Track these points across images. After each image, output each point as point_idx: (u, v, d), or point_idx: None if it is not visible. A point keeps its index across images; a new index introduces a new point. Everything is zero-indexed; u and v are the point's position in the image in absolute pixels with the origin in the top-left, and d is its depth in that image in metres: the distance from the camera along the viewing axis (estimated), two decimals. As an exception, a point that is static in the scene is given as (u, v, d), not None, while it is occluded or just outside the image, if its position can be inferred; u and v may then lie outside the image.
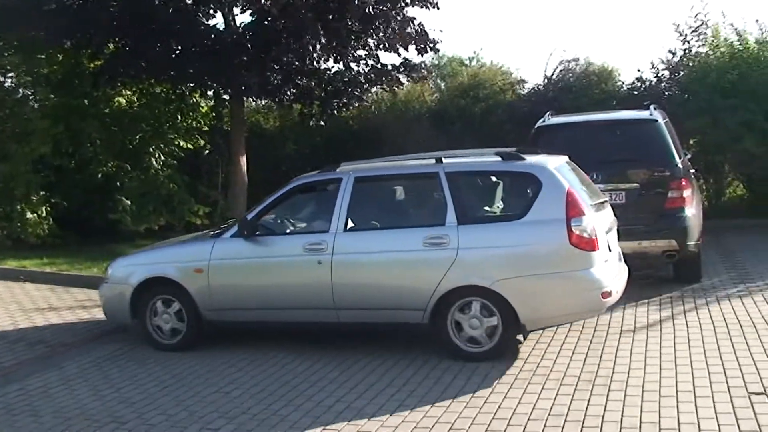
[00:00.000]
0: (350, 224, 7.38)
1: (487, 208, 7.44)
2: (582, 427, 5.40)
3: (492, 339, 6.94)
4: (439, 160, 7.45)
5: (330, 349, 7.57)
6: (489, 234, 7.00)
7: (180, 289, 7.86)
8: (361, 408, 6.03)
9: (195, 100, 15.88)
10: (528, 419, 5.59)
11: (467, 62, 28.44)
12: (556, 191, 6.89)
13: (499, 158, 7.37)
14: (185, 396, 6.54)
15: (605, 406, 5.73)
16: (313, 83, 14.54)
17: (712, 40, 14.85)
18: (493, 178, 7.57)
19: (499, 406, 5.87)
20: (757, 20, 15.22)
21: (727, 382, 6.08)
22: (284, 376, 6.95)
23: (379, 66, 14.54)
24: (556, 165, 7.19)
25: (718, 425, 5.27)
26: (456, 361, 6.94)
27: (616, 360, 6.83)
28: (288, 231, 7.85)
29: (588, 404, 5.82)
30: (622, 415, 5.54)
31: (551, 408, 5.77)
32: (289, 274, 7.57)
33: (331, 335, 7.81)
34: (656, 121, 9.68)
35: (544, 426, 5.46)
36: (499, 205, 7.50)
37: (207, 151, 16.70)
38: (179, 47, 13.50)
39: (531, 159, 7.32)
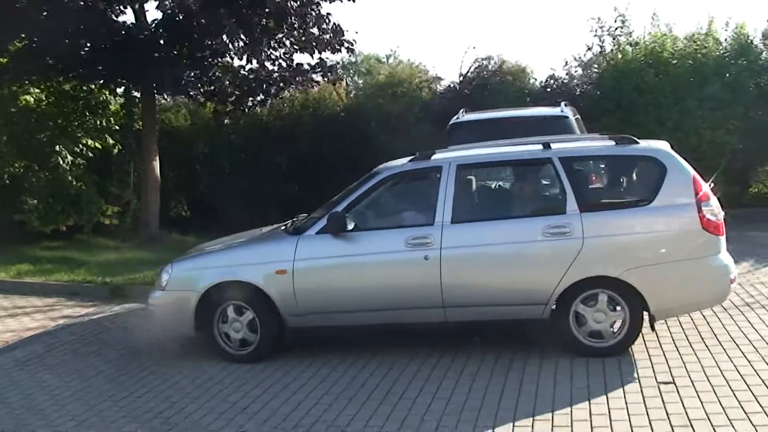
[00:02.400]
0: (457, 215, 6.82)
1: (608, 193, 7.13)
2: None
3: (618, 333, 6.59)
4: (547, 146, 6.99)
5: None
6: (616, 221, 6.60)
7: (257, 294, 7.06)
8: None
9: (105, 97, 15.50)
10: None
11: (384, 60, 28.57)
12: (682, 175, 6.59)
13: (613, 142, 7.07)
14: (96, 401, 6.36)
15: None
16: (227, 81, 14.35)
17: (628, 38, 15.15)
18: (611, 163, 7.26)
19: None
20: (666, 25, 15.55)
21: (637, 373, 6.19)
22: (200, 377, 6.83)
23: (294, 65, 14.43)
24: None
25: (628, 415, 5.35)
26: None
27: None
28: (384, 225, 7.22)
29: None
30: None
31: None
32: (390, 272, 6.89)
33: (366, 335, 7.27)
34: (567, 117, 9.92)
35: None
36: (620, 190, 7.21)
37: (117, 151, 16.33)
38: (88, 44, 13.13)
39: (648, 142, 7.09)
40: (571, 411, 5.49)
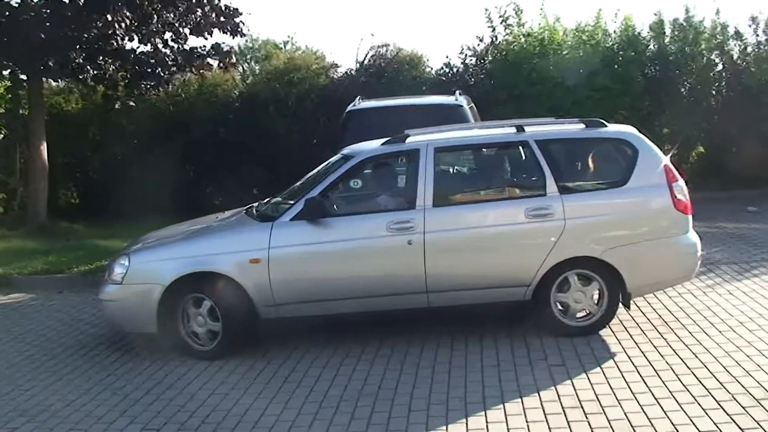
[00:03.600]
0: (438, 199, 6.73)
1: (583, 176, 7.20)
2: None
3: (597, 311, 6.74)
4: (521, 128, 7.05)
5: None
6: (594, 202, 6.76)
7: (228, 285, 6.66)
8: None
9: (-12, 80, 14.89)
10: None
11: (282, 46, 28.34)
12: (653, 157, 6.83)
13: (583, 125, 7.16)
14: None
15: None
16: (118, 64, 13.97)
17: (520, 28, 15.43)
18: (584, 145, 7.28)
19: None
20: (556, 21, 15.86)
21: (529, 356, 6.36)
22: (92, 368, 6.69)
23: (187, 49, 14.15)
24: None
25: (521, 396, 5.51)
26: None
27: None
28: (362, 210, 7.07)
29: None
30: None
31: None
32: (372, 258, 6.71)
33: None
34: (461, 106, 10.06)
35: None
36: (594, 172, 7.26)
37: (3, 136, 15.69)
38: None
39: (616, 126, 7.26)
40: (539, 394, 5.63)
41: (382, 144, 7.15)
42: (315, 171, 7.67)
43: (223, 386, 6.09)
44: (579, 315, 6.80)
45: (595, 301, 6.79)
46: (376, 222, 6.74)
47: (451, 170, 7.35)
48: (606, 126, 7.14)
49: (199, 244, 7.03)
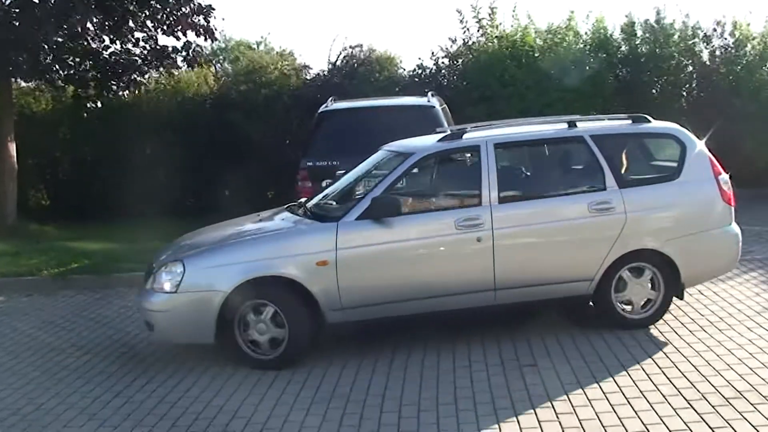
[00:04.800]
0: (503, 195, 6.69)
1: (638, 170, 7.30)
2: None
3: (654, 303, 6.88)
4: (573, 124, 7.15)
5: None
6: (652, 196, 6.89)
7: (293, 289, 6.37)
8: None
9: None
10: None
11: (254, 46, 28.18)
12: (699, 151, 7.04)
13: (629, 120, 7.36)
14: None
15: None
16: (88, 64, 13.84)
17: (493, 30, 15.43)
18: (635, 140, 7.44)
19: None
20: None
21: (500, 356, 6.39)
22: (62, 371, 6.61)
23: (158, 48, 14.06)
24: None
25: (492, 396, 5.52)
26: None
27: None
28: (428, 208, 6.95)
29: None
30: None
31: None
32: (442, 257, 6.60)
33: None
34: (433, 107, 10.10)
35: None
36: (647, 166, 7.41)
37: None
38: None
39: (659, 122, 7.43)
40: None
41: (439, 141, 7.07)
42: (357, 169, 7.68)
43: (225, 393, 6.04)
44: (636, 307, 6.91)
45: (651, 293, 6.90)
46: (445, 220, 6.63)
47: (512, 166, 7.39)
48: (650, 121, 7.32)
49: (259, 248, 6.63)
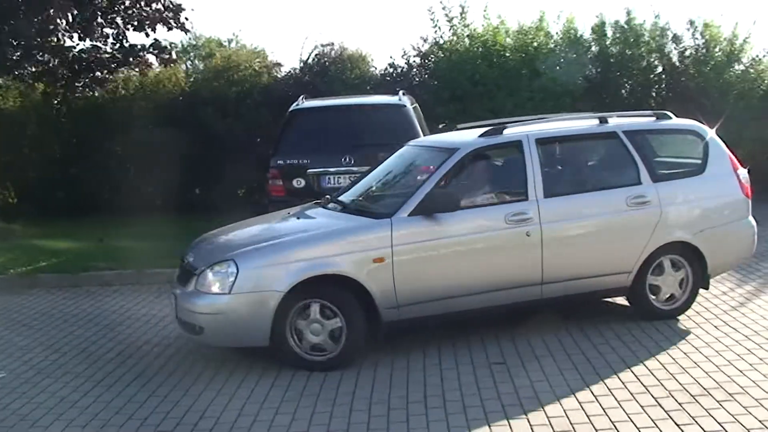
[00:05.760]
0: (548, 190, 6.79)
1: (667, 164, 7.48)
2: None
3: (683, 294, 7.15)
4: (604, 120, 7.35)
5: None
6: (683, 189, 7.17)
7: (351, 288, 6.23)
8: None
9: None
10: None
11: (226, 44, 28.01)
12: (720, 147, 7.38)
13: (653, 117, 7.64)
14: None
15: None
16: (57, 61, 13.70)
17: (464, 29, 15.44)
18: (662, 136, 7.70)
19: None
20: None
21: (470, 354, 6.42)
22: (29, 371, 6.54)
23: (127, 45, 13.94)
24: None
25: (461, 395, 5.55)
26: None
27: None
28: (476, 203, 6.82)
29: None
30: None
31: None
32: (494, 251, 6.62)
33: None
34: (404, 106, 10.07)
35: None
36: (675, 161, 7.62)
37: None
38: None
39: (680, 119, 7.74)
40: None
41: (480, 136, 7.11)
42: (385, 164, 7.74)
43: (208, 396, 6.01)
44: (667, 298, 7.14)
45: (680, 284, 7.14)
46: (495, 214, 6.69)
47: (553, 161, 7.44)
48: (671, 118, 7.60)
49: (312, 245, 6.39)
